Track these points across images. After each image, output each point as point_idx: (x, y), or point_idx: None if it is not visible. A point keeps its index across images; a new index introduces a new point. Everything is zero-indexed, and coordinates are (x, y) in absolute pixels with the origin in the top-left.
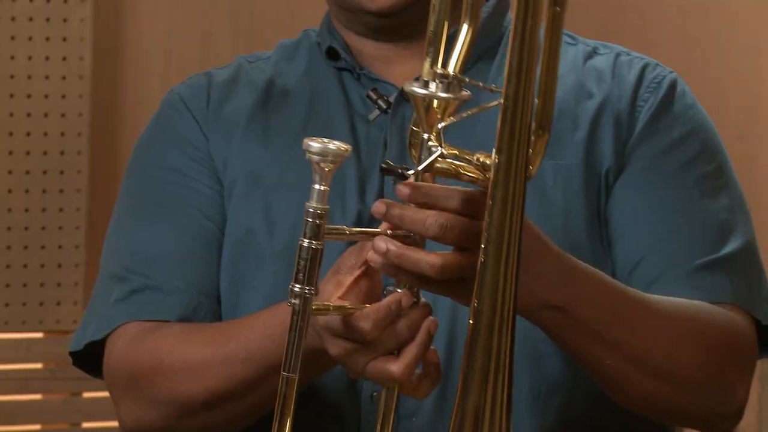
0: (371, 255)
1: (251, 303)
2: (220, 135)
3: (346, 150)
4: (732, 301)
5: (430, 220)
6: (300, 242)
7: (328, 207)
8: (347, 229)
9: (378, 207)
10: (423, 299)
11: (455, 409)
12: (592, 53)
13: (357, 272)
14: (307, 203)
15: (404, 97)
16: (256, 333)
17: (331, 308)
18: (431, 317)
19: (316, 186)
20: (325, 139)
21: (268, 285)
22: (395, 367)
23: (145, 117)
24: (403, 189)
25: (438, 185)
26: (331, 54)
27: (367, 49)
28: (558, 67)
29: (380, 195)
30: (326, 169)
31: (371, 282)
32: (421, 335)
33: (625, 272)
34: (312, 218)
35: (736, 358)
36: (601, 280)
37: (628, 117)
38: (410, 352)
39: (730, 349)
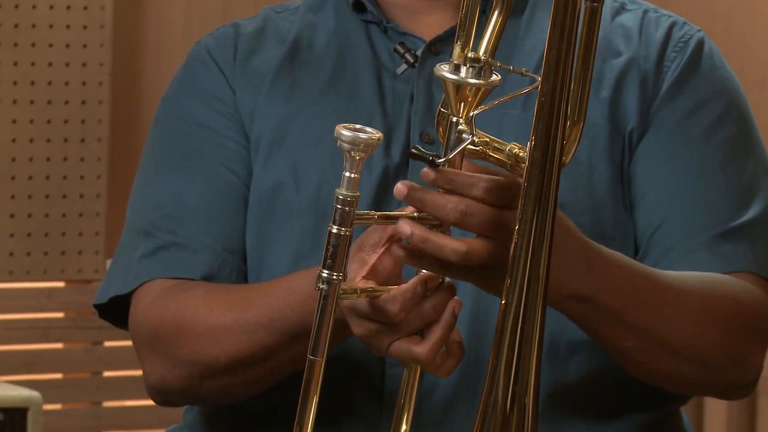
0: (395, 249)
1: (278, 258)
2: (247, 89)
3: (378, 139)
4: (752, 270)
5: (450, 205)
6: (329, 228)
7: (358, 194)
8: (375, 214)
9: (399, 189)
10: (447, 279)
11: (485, 392)
12: (620, 9)
13: (380, 250)
14: (337, 190)
15: (432, 51)
16: (278, 300)
17: (359, 291)
18: (455, 297)
19: (347, 173)
20: (357, 126)
21: (294, 240)
22: (420, 348)
23: (167, 66)
24: (428, 174)
25: (463, 172)
26: (358, 6)
27: (396, 0)
28: (594, 58)
29: (406, 149)
30: (357, 158)
31: (395, 260)
32: (446, 316)
33: (646, 236)
34: (342, 205)
35: (755, 332)
36: (624, 264)
37: (653, 77)
38: (435, 333)
39: (750, 324)
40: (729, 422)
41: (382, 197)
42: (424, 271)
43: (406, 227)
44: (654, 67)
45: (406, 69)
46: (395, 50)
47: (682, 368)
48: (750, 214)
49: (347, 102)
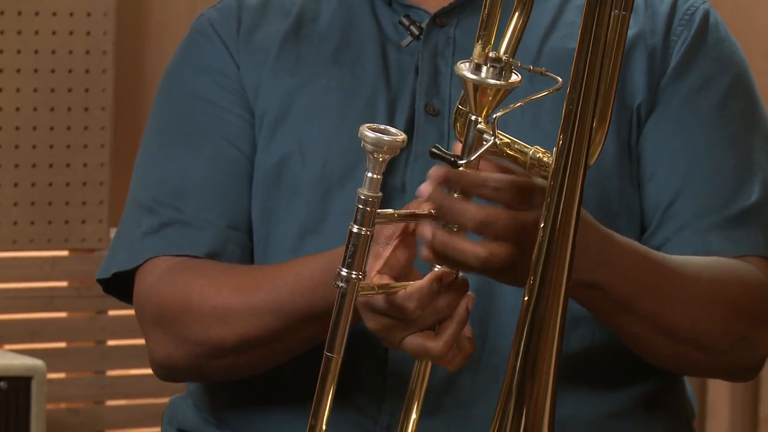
0: (423, 253)
1: (283, 234)
2: (251, 63)
3: (402, 141)
4: (762, 254)
5: (469, 214)
6: (350, 228)
7: (380, 194)
8: (395, 213)
9: (423, 189)
10: (461, 275)
11: (505, 385)
12: None
13: (394, 242)
14: (359, 189)
15: (437, 23)
16: (287, 285)
17: (376, 288)
18: (469, 293)
19: (369, 174)
20: (381, 127)
21: (300, 215)
22: (433, 344)
23: (170, 34)
24: (437, 176)
25: (484, 174)
26: None
27: None
28: (621, 61)
29: (410, 122)
30: (380, 159)
31: (409, 253)
32: (459, 312)
33: (658, 212)
34: (363, 205)
35: (763, 317)
36: (635, 252)
37: (661, 51)
38: (449, 329)
39: (758, 309)
40: (733, 391)
41: (387, 170)
42: (437, 267)
43: (427, 232)
44: (661, 41)
45: (411, 41)
46: (400, 22)
47: (688, 354)
48: (761, 193)
49: (351, 75)
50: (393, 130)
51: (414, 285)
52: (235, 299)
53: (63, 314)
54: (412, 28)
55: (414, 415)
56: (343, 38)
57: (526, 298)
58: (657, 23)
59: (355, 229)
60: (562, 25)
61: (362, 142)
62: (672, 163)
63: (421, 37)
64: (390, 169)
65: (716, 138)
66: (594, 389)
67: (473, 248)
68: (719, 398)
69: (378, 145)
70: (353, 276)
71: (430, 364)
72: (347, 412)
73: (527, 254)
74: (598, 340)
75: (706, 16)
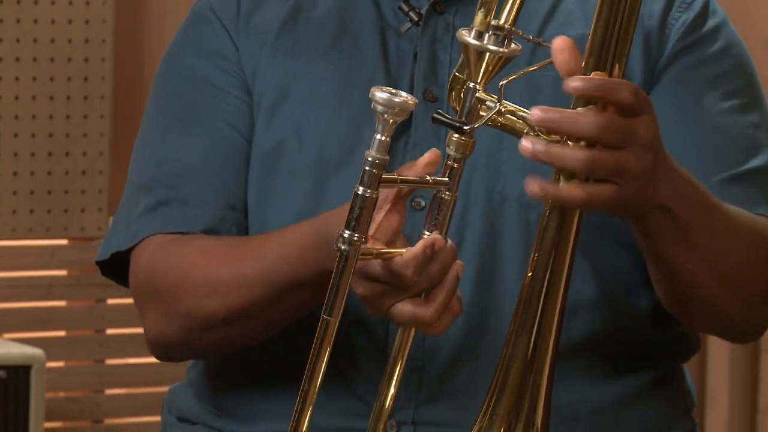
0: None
1: (280, 216)
2: (250, 46)
3: (414, 104)
4: (765, 213)
5: (585, 119)
6: (355, 190)
7: (387, 157)
8: (399, 177)
9: (534, 113)
10: (450, 242)
11: (502, 357)
12: None
13: (387, 206)
14: (366, 152)
15: (436, 9)
16: (274, 253)
17: (374, 253)
18: (458, 261)
19: (378, 136)
20: (393, 90)
21: (297, 200)
22: (423, 310)
23: (170, 22)
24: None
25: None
26: None
27: None
28: (632, 39)
29: None
30: (390, 121)
31: (399, 218)
32: (449, 278)
33: None
34: (370, 167)
35: None
36: (695, 183)
37: (657, 35)
38: (440, 296)
39: None
40: (732, 380)
41: None
42: (427, 233)
43: (527, 144)
44: (658, 25)
45: (410, 27)
46: (400, 8)
47: (723, 300)
48: (758, 161)
49: (350, 61)
50: (403, 93)
51: (409, 252)
52: (223, 270)
53: (62, 303)
54: (412, 14)
55: (392, 390)
56: (342, 23)
57: (530, 274)
58: (654, 7)
59: (360, 191)
60: (560, 13)
61: (372, 103)
62: (669, 134)
63: (420, 23)
64: (389, 155)
65: (713, 111)
66: (594, 378)
67: (572, 152)
68: (719, 387)
69: (389, 105)
70: (355, 238)
71: (412, 336)
72: (345, 398)
73: (648, 163)
74: (598, 327)
75: (705, 2)
